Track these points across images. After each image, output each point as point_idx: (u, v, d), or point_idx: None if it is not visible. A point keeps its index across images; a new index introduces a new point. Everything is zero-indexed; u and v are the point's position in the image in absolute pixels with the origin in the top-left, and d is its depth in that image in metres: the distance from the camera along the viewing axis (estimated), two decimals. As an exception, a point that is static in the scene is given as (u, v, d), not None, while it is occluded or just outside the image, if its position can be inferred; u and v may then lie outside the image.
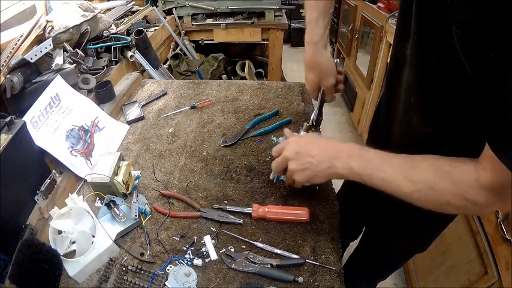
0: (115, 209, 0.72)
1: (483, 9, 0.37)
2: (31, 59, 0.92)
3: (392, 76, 0.71)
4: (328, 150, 0.62)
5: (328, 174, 0.62)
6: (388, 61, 0.76)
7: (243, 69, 2.14)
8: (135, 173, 0.84)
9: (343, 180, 1.03)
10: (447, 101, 0.54)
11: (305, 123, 0.79)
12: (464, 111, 0.53)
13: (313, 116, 0.84)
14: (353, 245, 1.17)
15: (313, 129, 0.83)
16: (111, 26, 1.32)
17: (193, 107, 1.11)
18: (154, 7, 1.79)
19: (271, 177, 0.78)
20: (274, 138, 0.81)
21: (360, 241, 1.09)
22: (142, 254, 0.67)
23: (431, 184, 0.51)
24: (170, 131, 1.02)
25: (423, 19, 0.52)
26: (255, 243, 0.69)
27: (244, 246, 0.69)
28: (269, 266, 0.64)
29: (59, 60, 1.03)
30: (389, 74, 0.77)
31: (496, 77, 0.39)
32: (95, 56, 1.22)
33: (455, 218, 0.82)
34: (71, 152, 0.84)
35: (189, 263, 0.66)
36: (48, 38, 1.01)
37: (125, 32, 1.41)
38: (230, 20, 2.01)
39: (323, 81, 0.80)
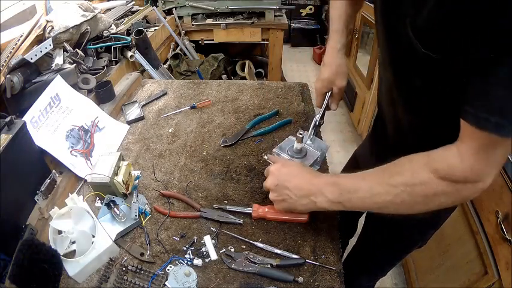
0: (115, 209, 0.72)
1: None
2: (31, 59, 0.92)
3: (380, 78, 0.77)
4: (305, 185, 0.62)
5: (309, 208, 0.63)
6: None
7: (243, 69, 2.14)
8: (135, 173, 0.84)
9: None
10: (420, 90, 0.57)
11: (298, 134, 0.75)
12: (438, 97, 0.55)
13: (315, 119, 0.85)
14: (351, 241, 1.17)
15: (314, 131, 0.84)
16: (111, 26, 1.32)
17: (193, 107, 1.11)
18: (154, 7, 1.79)
19: None
20: (266, 157, 0.82)
21: (358, 238, 1.09)
22: (142, 254, 0.67)
23: (412, 181, 0.50)
24: (170, 131, 1.02)
25: (386, 19, 0.59)
26: (255, 243, 0.69)
27: (244, 246, 0.69)
28: (269, 266, 0.64)
29: (59, 60, 1.03)
30: (379, 77, 0.82)
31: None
32: (95, 56, 1.22)
33: (454, 209, 0.83)
34: (71, 152, 0.84)
35: (189, 263, 0.66)
36: (48, 38, 1.01)
37: (125, 32, 1.41)
38: (230, 20, 2.02)
39: (337, 81, 0.84)
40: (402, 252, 0.97)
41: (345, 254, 1.17)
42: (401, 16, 0.51)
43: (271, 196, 0.68)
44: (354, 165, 1.07)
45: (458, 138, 0.49)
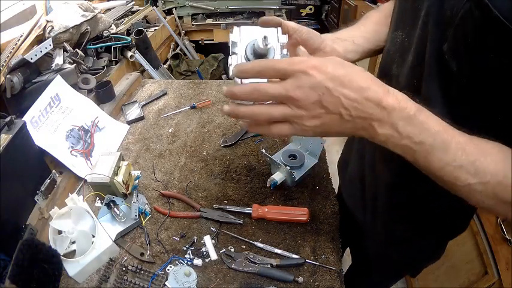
0: (115, 209, 0.72)
1: None
2: (31, 59, 0.92)
3: (389, 66, 0.56)
4: (369, 99, 0.37)
5: (353, 133, 0.41)
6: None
7: (243, 69, 2.14)
8: (135, 173, 0.84)
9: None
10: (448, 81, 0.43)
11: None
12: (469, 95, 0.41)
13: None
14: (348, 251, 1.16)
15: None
16: (111, 26, 1.32)
17: (193, 107, 1.11)
18: (154, 7, 1.79)
19: (268, 184, 0.78)
20: (263, 150, 0.78)
21: (350, 266, 1.08)
22: (142, 254, 0.67)
23: (501, 178, 0.37)
24: (170, 131, 1.02)
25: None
26: (255, 243, 0.69)
27: (244, 246, 0.69)
28: (269, 266, 0.64)
29: (59, 60, 1.03)
30: (385, 63, 0.60)
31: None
32: (95, 56, 1.22)
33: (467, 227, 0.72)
34: (71, 152, 0.84)
35: (189, 263, 0.66)
36: (48, 38, 1.01)
37: (125, 32, 1.41)
38: (230, 20, 2.02)
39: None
40: (393, 279, 0.97)
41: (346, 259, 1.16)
42: None
43: (298, 94, 0.37)
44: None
45: None
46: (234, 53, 0.46)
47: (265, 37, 0.44)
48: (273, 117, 0.40)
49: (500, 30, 0.33)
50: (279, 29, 0.47)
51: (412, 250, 0.72)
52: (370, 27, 0.64)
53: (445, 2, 0.40)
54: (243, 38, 0.46)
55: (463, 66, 0.39)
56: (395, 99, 0.37)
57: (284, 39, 0.47)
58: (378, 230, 0.73)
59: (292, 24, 0.52)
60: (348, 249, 1.12)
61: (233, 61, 0.46)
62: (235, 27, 0.47)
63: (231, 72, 0.44)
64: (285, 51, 0.47)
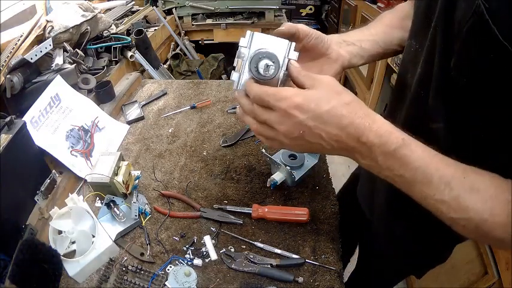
0: (115, 209, 0.72)
1: None
2: (31, 59, 0.92)
3: (404, 75, 0.57)
4: (349, 135, 0.39)
5: (340, 154, 0.44)
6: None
7: (243, 69, 2.14)
8: (135, 173, 0.84)
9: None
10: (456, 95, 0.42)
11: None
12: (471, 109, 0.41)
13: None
14: (353, 259, 1.15)
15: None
16: (111, 26, 1.32)
17: (193, 107, 1.11)
18: (154, 7, 1.80)
19: (268, 184, 0.78)
20: (263, 150, 0.79)
21: (356, 266, 1.07)
22: (142, 254, 0.67)
23: (487, 216, 0.36)
24: (170, 131, 1.02)
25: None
26: (255, 243, 0.69)
27: (244, 246, 0.69)
28: (269, 266, 0.64)
29: (59, 60, 1.03)
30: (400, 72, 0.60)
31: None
32: (95, 56, 1.22)
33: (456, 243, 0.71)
34: (71, 152, 0.84)
35: (189, 263, 0.66)
36: (48, 38, 1.01)
37: (125, 32, 1.41)
38: (230, 20, 2.02)
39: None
40: (399, 278, 0.96)
41: (346, 276, 1.15)
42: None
43: (281, 128, 0.41)
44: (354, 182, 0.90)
45: None
46: (239, 58, 0.47)
47: (267, 66, 0.44)
48: (261, 135, 0.45)
49: (498, 49, 0.32)
50: (293, 44, 0.46)
51: (415, 251, 0.72)
52: (381, 30, 0.62)
53: (453, 15, 0.38)
54: (253, 45, 0.46)
55: (470, 82, 0.38)
56: (376, 134, 0.38)
57: (294, 56, 0.46)
58: (378, 227, 0.73)
59: (304, 28, 0.53)
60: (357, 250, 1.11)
61: (237, 66, 0.47)
62: (248, 31, 0.47)
63: (232, 76, 0.47)
64: (285, 67, 0.46)
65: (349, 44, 0.59)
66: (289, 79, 0.46)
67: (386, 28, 0.62)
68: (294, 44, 0.46)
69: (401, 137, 0.39)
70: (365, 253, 1.01)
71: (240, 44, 0.46)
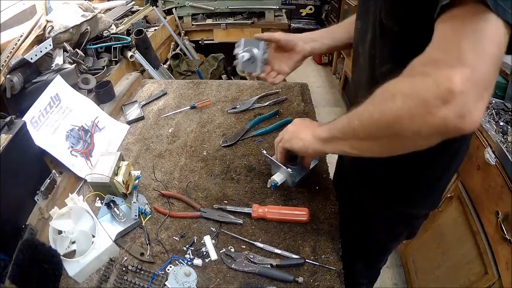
0: (115, 209, 0.72)
1: None
2: (31, 59, 0.92)
3: (356, 47, 0.76)
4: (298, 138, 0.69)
5: (300, 146, 0.68)
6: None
7: (243, 69, 2.14)
8: (135, 173, 0.84)
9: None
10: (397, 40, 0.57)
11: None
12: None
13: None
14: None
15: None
16: (111, 26, 1.32)
17: (193, 107, 1.11)
18: (154, 7, 1.80)
19: (268, 185, 0.79)
20: (264, 152, 0.82)
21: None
22: (142, 254, 0.67)
23: (380, 107, 0.47)
24: (170, 131, 1.02)
25: None
26: (255, 243, 0.69)
27: (244, 246, 0.69)
28: (269, 266, 0.64)
29: (59, 60, 1.03)
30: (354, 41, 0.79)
31: None
32: (95, 56, 1.22)
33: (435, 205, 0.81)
34: (71, 152, 0.84)
35: (189, 263, 0.66)
36: (48, 38, 1.01)
37: (125, 32, 1.41)
38: (230, 20, 2.02)
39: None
40: (388, 242, 0.95)
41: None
42: None
43: (284, 135, 0.73)
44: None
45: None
46: (235, 57, 0.82)
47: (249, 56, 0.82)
48: (280, 141, 0.75)
49: None
50: (271, 46, 0.85)
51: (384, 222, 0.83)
52: (339, 29, 0.88)
53: None
54: (244, 45, 0.82)
55: (400, 26, 0.53)
56: (319, 130, 0.64)
57: (266, 55, 0.83)
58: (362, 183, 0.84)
59: (276, 35, 0.83)
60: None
61: (235, 62, 0.84)
62: (242, 39, 0.82)
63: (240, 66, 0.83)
64: (263, 59, 0.83)
65: (313, 40, 0.86)
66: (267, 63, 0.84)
67: (338, 28, 0.89)
68: (263, 42, 0.82)
69: (328, 127, 0.61)
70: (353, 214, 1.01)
71: (235, 52, 0.83)
